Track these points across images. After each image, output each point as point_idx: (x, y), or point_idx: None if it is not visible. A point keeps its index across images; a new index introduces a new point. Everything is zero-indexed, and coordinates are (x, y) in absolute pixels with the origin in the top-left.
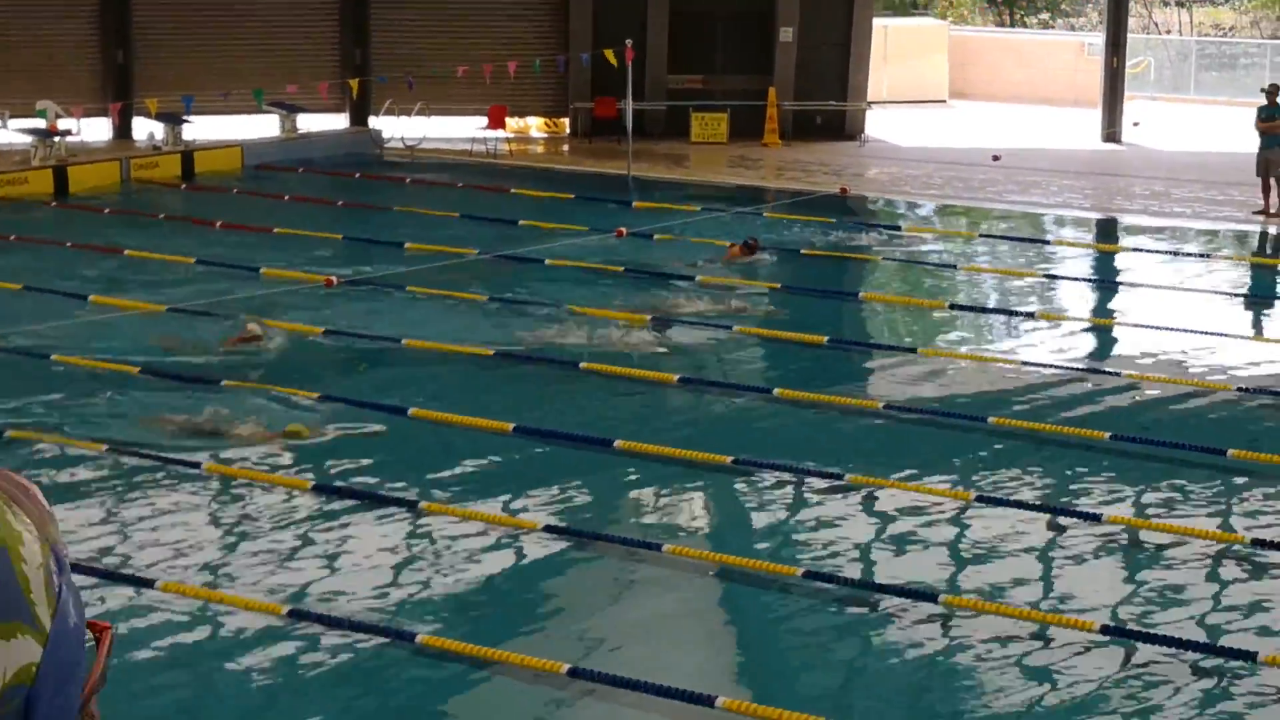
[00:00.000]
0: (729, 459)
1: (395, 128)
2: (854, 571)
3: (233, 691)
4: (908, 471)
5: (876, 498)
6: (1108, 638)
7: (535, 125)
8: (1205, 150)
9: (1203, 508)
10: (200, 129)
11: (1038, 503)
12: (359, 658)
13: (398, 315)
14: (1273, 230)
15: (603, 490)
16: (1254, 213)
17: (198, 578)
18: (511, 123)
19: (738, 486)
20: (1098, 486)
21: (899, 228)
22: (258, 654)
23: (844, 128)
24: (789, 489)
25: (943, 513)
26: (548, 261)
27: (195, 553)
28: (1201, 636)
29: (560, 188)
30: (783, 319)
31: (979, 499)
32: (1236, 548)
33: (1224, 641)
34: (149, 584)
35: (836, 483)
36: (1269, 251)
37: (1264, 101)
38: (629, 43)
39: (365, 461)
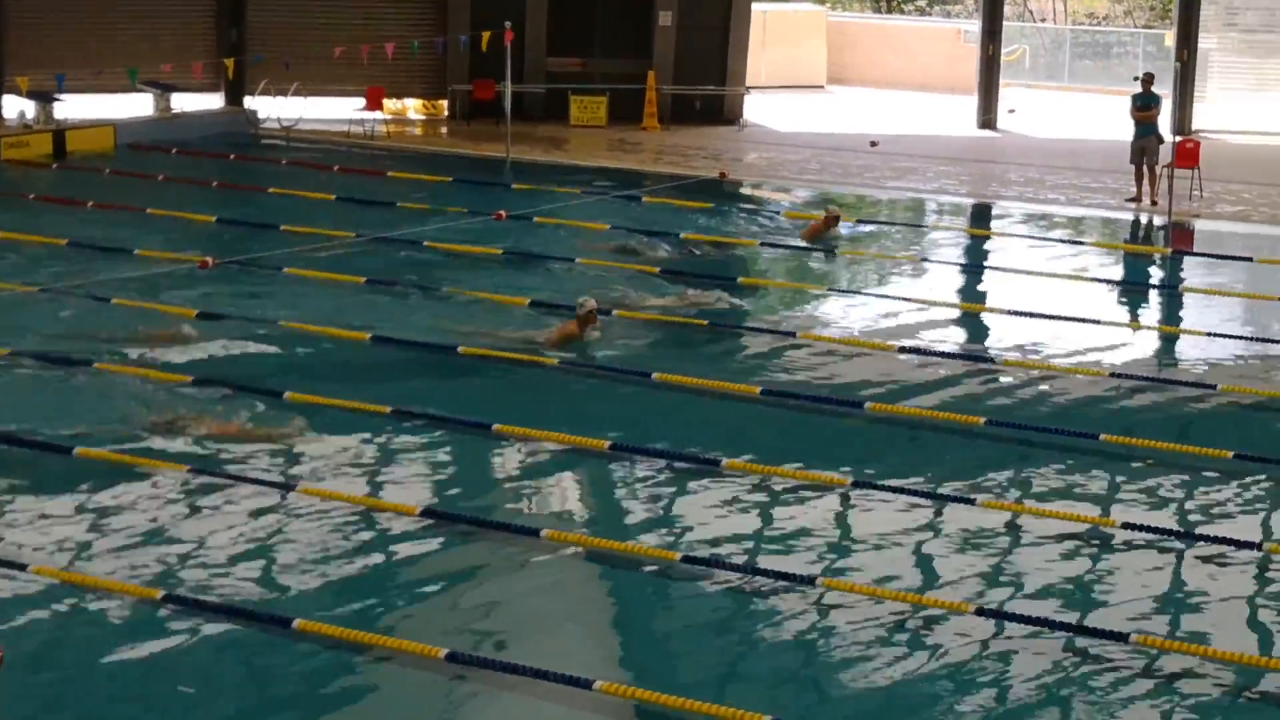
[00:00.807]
0: (607, 444)
1: (271, 108)
2: (732, 556)
3: (105, 677)
4: (786, 456)
5: (754, 483)
6: (982, 619)
7: (413, 107)
8: (1079, 138)
9: (1076, 492)
10: (72, 108)
11: (915, 488)
12: (234, 643)
13: (275, 298)
14: (1144, 218)
15: (481, 474)
16: (1127, 200)
17: (70, 562)
18: (389, 104)
19: (616, 471)
20: (974, 471)
21: (778, 212)
22: (130, 639)
23: (723, 112)
24: (667, 474)
25: (821, 498)
26: (426, 244)
27: (65, 537)
28: (1074, 618)
29: (439, 170)
30: (663, 303)
31: (856, 484)
32: (1109, 530)
33: (1095, 623)
34: (21, 567)
35: (714, 468)
36: (1142, 239)
37: (1139, 90)
38: (508, 25)
39: (240, 445)
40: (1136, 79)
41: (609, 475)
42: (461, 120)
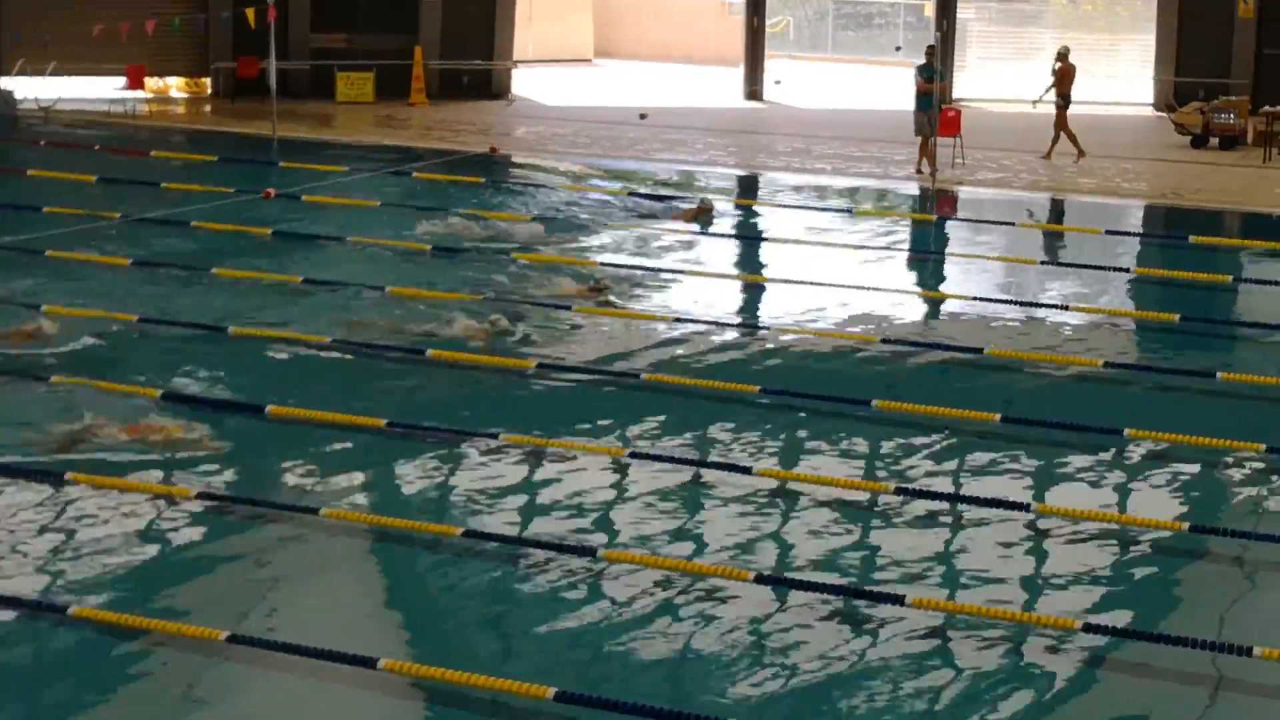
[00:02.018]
0: (383, 422)
1: (29, 88)
2: (512, 529)
3: None
4: (563, 429)
5: (533, 456)
6: (762, 586)
7: (175, 86)
8: (844, 108)
9: (849, 458)
10: None
11: (689, 457)
12: (9, 632)
13: (37, 281)
14: (909, 187)
15: (256, 456)
16: (917, 172)
17: None
18: (151, 83)
19: (394, 449)
20: (749, 440)
21: (549, 186)
22: None
23: (491, 87)
24: (445, 450)
25: (598, 469)
26: (193, 224)
27: None
28: (851, 581)
29: (204, 149)
30: (438, 278)
31: (633, 455)
32: (883, 496)
33: (872, 586)
34: None
35: (493, 442)
36: (907, 206)
37: (923, 61)
38: (271, 1)
39: (5, 432)
40: (898, 49)
41: (387, 452)
42: (225, 99)
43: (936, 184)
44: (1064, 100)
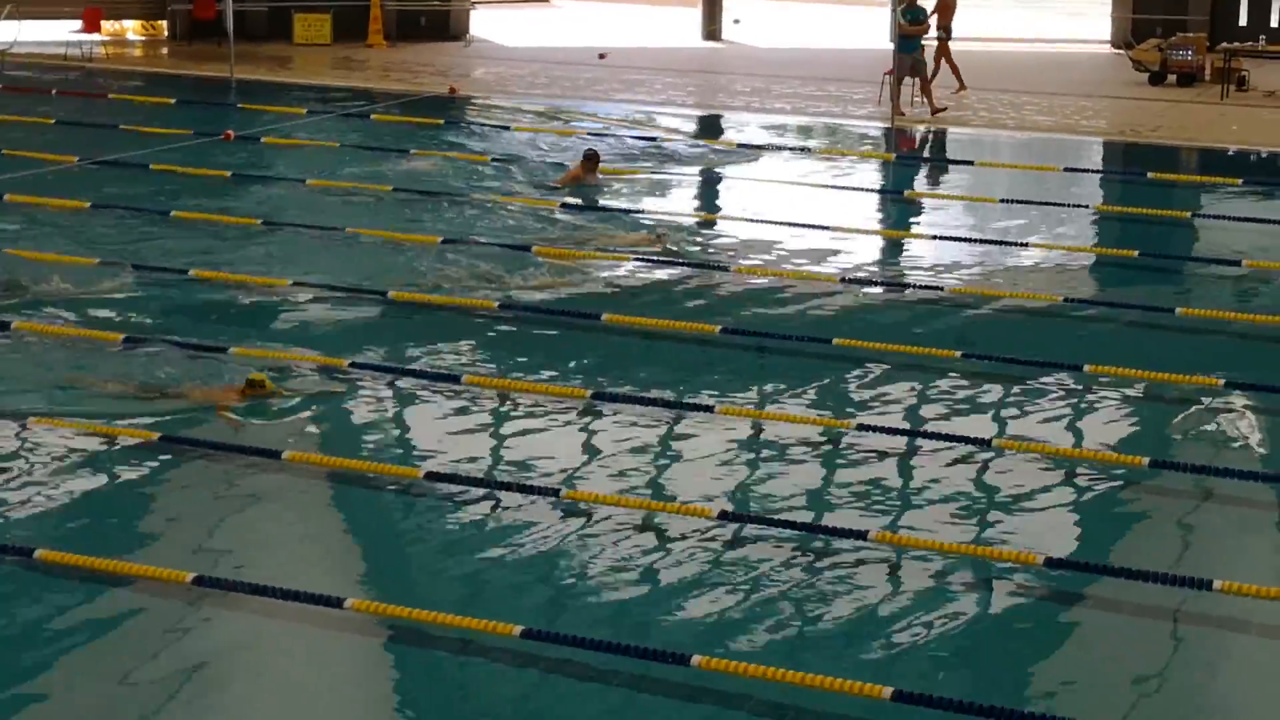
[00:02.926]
0: (345, 361)
1: None
2: (475, 471)
3: None
4: (525, 371)
5: (495, 398)
6: (725, 523)
7: (132, 28)
8: (802, 47)
9: (812, 396)
10: None
11: (655, 398)
12: None
13: None
14: (871, 126)
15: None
16: (899, 113)
17: None
18: (108, 26)
19: (357, 391)
20: (711, 380)
21: (508, 127)
22: None
23: (449, 28)
24: (405, 391)
25: (561, 411)
26: (152, 166)
27: None
28: (814, 518)
29: (161, 92)
30: (400, 221)
31: (596, 395)
32: (845, 433)
33: (835, 523)
34: None
35: (455, 386)
36: (869, 145)
37: (905, 2)
38: None
39: None
40: None
41: (347, 395)
42: (182, 41)
43: (896, 123)
44: (945, 32)
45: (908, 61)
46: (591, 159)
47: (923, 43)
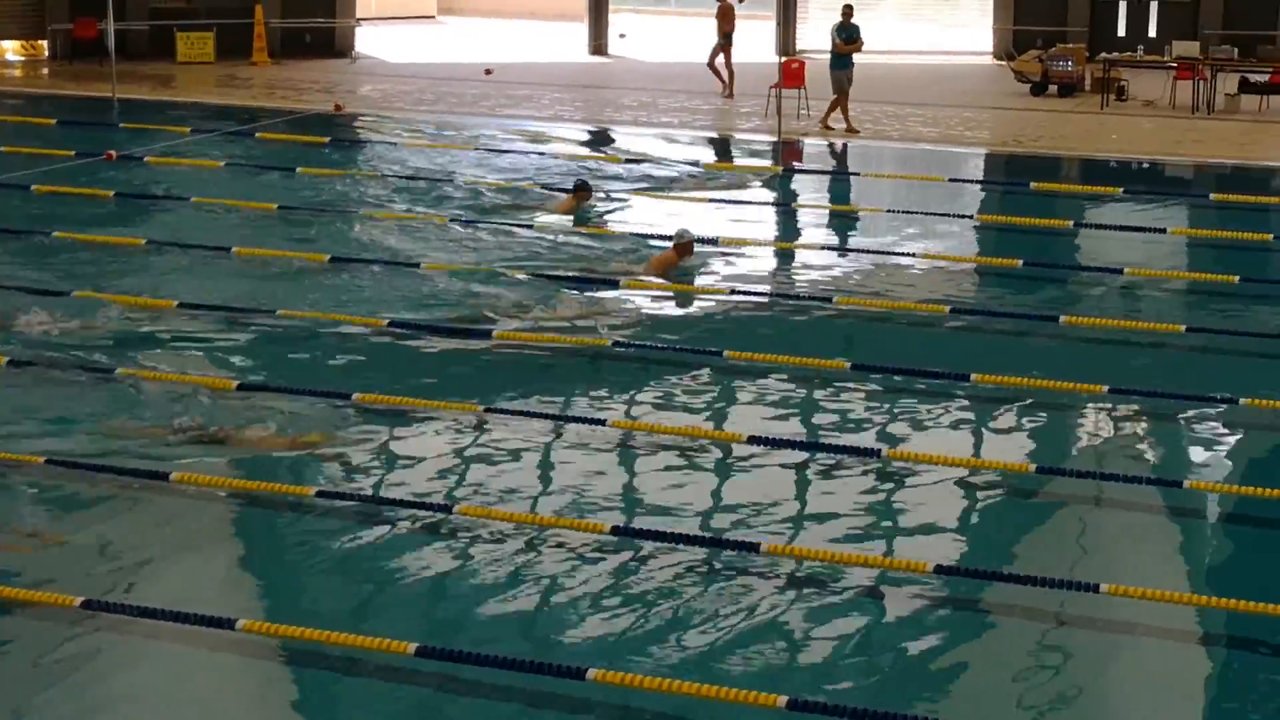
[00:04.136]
0: (234, 383)
1: None
2: (367, 488)
3: None
4: (417, 388)
5: (383, 414)
6: (618, 537)
7: (11, 49)
8: (688, 61)
9: (702, 408)
10: None
11: (544, 411)
12: None
13: None
14: (758, 138)
15: (104, 418)
16: (827, 127)
17: None
18: None
19: (248, 410)
20: (602, 393)
21: (394, 143)
22: None
23: (334, 45)
24: (296, 410)
25: (453, 425)
26: (33, 188)
27: None
28: (706, 531)
29: (42, 112)
30: (283, 238)
31: (488, 410)
32: (735, 446)
33: (728, 535)
34: None
35: (344, 403)
36: (758, 157)
37: (839, 21)
38: None
39: None
40: (741, 2)
41: (242, 411)
42: (63, 61)
43: (783, 135)
44: (724, 39)
45: (843, 78)
46: (584, 189)
47: (853, 60)
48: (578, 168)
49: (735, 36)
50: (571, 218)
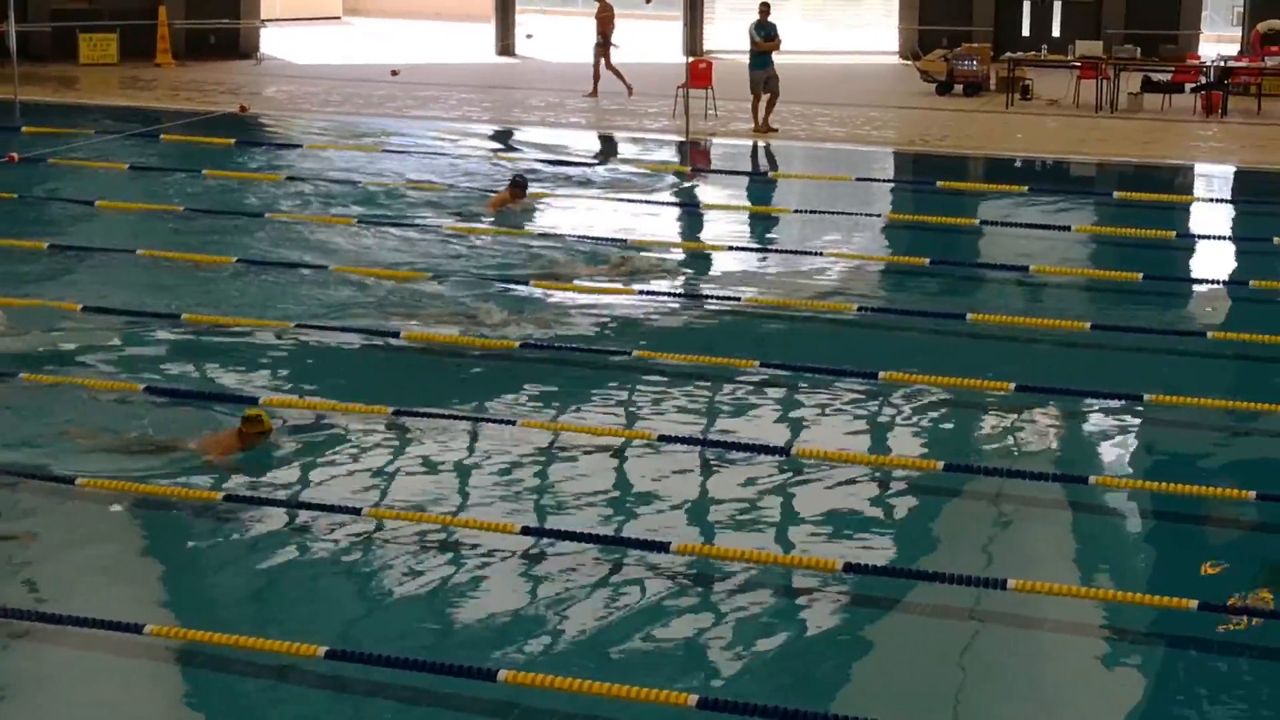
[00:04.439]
0: (140, 386)
1: None
2: (276, 491)
3: None
4: (325, 389)
5: (296, 418)
6: (528, 538)
7: None
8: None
9: (612, 407)
10: None
11: (456, 413)
12: None
13: None
14: (666, 138)
15: (9, 425)
16: (765, 128)
17: None
18: None
19: (151, 413)
20: (513, 394)
21: (300, 145)
22: None
23: (238, 46)
24: (203, 413)
25: (363, 429)
26: None
27: None
28: (617, 531)
29: None
30: (189, 241)
31: (398, 413)
32: (645, 445)
33: (637, 534)
34: None
35: (255, 407)
36: (666, 158)
37: (757, 19)
38: None
39: None
40: (647, 2)
41: (146, 418)
42: None
43: (690, 135)
44: (604, 40)
45: (761, 78)
46: (520, 185)
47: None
48: (488, 168)
49: (616, 38)
50: (494, 215)
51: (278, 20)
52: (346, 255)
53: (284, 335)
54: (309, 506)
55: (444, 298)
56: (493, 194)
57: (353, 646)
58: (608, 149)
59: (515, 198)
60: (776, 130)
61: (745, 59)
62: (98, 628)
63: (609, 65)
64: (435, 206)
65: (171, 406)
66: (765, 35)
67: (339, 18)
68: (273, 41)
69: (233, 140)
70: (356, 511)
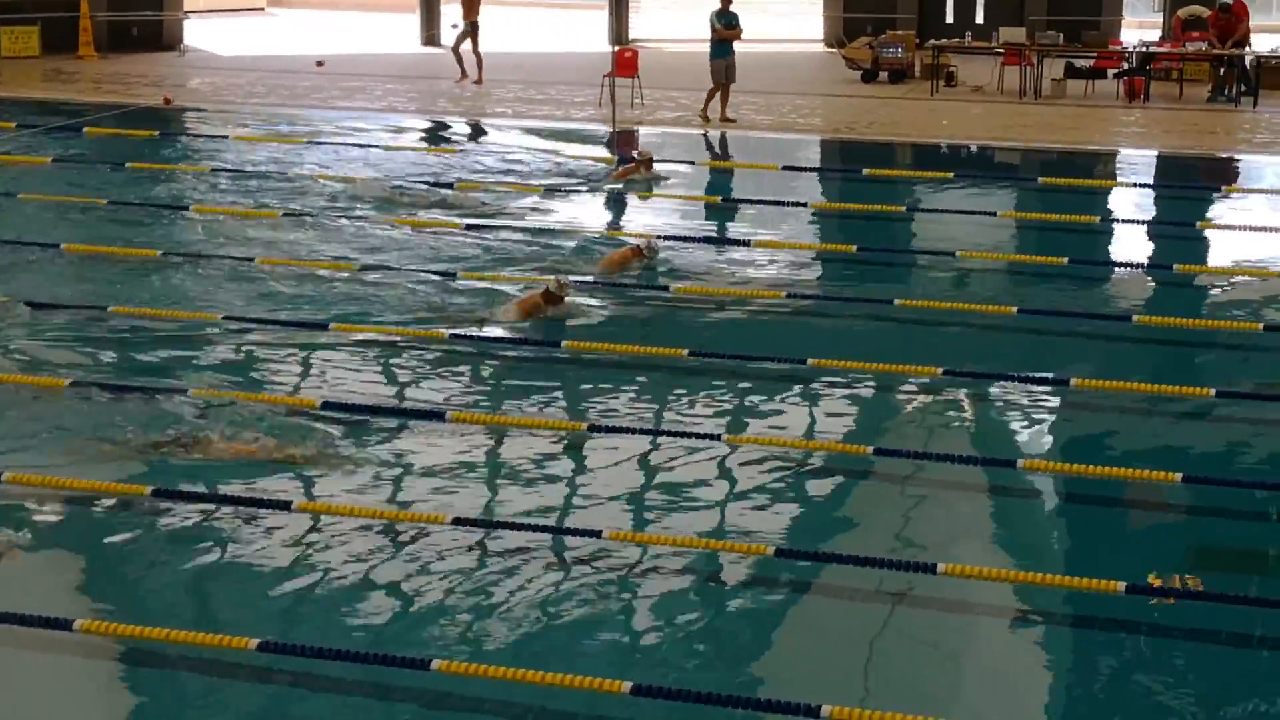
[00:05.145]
0: (66, 380)
1: None
2: (204, 484)
3: None
4: (246, 381)
5: (224, 410)
6: (461, 528)
7: None
8: (520, 51)
9: (544, 399)
10: None
11: (387, 406)
12: None
13: None
14: (596, 130)
15: None
16: (721, 120)
17: None
18: None
19: (79, 406)
20: (443, 386)
21: (226, 137)
22: None
23: (162, 38)
24: (128, 405)
25: (289, 421)
26: None
27: None
28: (548, 520)
29: None
30: (114, 234)
31: (325, 405)
32: (575, 434)
33: (569, 523)
34: None
35: (183, 397)
36: (595, 145)
37: (719, 8)
38: None
39: None
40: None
41: (68, 410)
42: None
43: (617, 125)
44: (470, 26)
45: (723, 66)
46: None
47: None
48: (414, 158)
49: (480, 23)
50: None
51: (201, 12)
52: (273, 247)
53: (211, 327)
54: (238, 500)
55: (367, 288)
56: (439, 185)
57: (285, 639)
58: (532, 139)
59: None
60: (735, 120)
61: (671, 48)
62: (26, 624)
63: (474, 49)
64: (358, 199)
65: (98, 398)
66: (726, 23)
67: (263, 9)
68: (196, 33)
69: (157, 133)
70: (287, 505)
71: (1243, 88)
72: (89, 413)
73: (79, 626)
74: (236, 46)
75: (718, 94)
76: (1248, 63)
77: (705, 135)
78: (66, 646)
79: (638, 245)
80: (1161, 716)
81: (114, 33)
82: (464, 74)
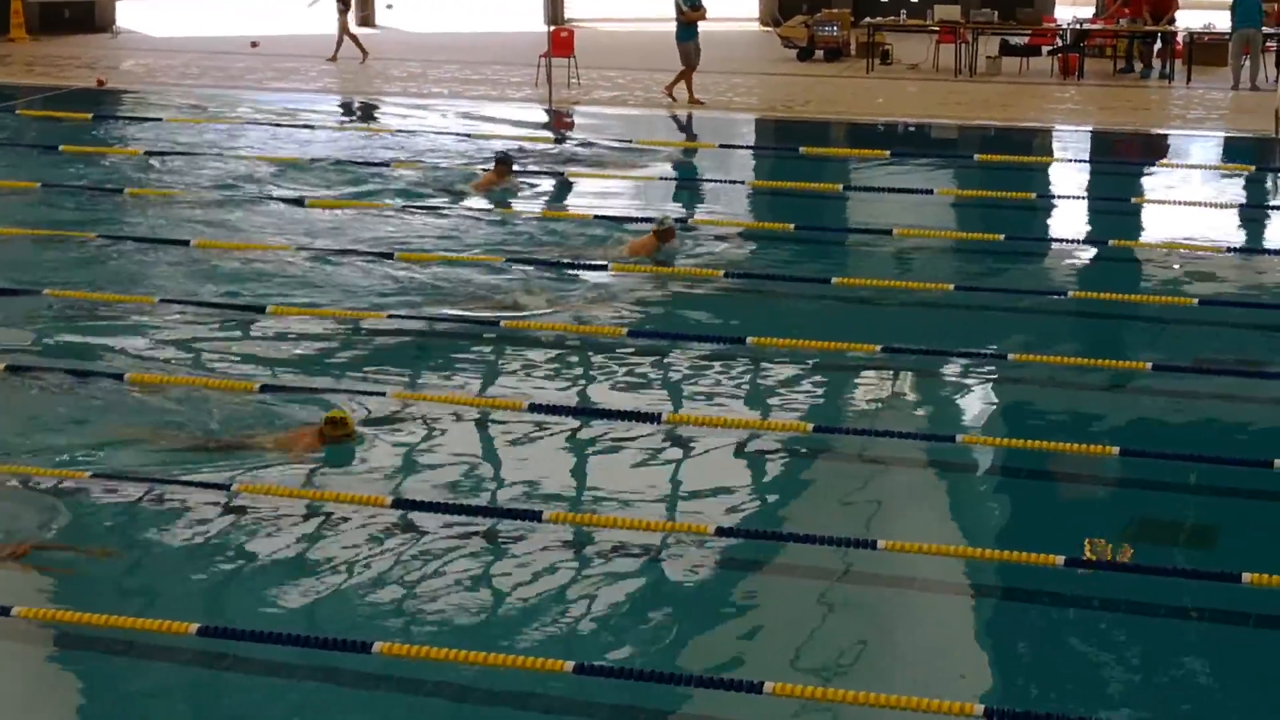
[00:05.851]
0: (2, 366)
1: None
2: (141, 468)
3: None
4: (183, 365)
5: (158, 394)
6: (399, 511)
7: None
8: (455, 31)
9: (481, 377)
10: None
11: (323, 386)
12: None
13: None
14: (533, 110)
15: None
16: (692, 101)
17: None
18: None
19: (19, 391)
20: (379, 365)
21: (160, 119)
22: None
23: (94, 19)
24: (65, 390)
25: (230, 404)
26: None
27: None
28: (488, 501)
29: None
30: (48, 217)
31: (264, 388)
32: (515, 414)
33: (509, 504)
34: None
35: (118, 384)
36: (535, 126)
37: None
38: None
39: None
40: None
41: (26, 394)
42: None
43: (554, 104)
44: (344, 4)
45: (691, 48)
46: (505, 163)
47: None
48: (344, 141)
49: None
50: (482, 195)
51: None
52: (209, 230)
53: (147, 311)
54: (177, 483)
55: (312, 269)
56: (373, 164)
57: (225, 623)
58: (468, 120)
59: (501, 176)
60: (704, 103)
61: (606, 27)
62: None
63: (342, 27)
64: (297, 180)
65: (34, 382)
66: (692, 5)
67: None
68: (129, 15)
69: (90, 115)
70: (226, 487)
71: (1163, 65)
72: (24, 397)
73: (16, 613)
74: (169, 28)
75: (685, 75)
76: (1180, 39)
77: (642, 115)
78: (3, 632)
79: (659, 229)
80: (1099, 686)
81: (46, 14)
82: (335, 53)
